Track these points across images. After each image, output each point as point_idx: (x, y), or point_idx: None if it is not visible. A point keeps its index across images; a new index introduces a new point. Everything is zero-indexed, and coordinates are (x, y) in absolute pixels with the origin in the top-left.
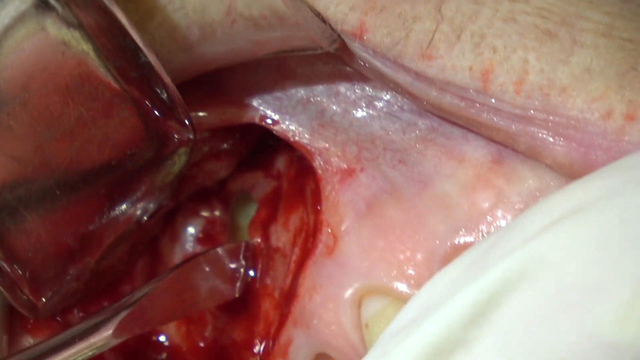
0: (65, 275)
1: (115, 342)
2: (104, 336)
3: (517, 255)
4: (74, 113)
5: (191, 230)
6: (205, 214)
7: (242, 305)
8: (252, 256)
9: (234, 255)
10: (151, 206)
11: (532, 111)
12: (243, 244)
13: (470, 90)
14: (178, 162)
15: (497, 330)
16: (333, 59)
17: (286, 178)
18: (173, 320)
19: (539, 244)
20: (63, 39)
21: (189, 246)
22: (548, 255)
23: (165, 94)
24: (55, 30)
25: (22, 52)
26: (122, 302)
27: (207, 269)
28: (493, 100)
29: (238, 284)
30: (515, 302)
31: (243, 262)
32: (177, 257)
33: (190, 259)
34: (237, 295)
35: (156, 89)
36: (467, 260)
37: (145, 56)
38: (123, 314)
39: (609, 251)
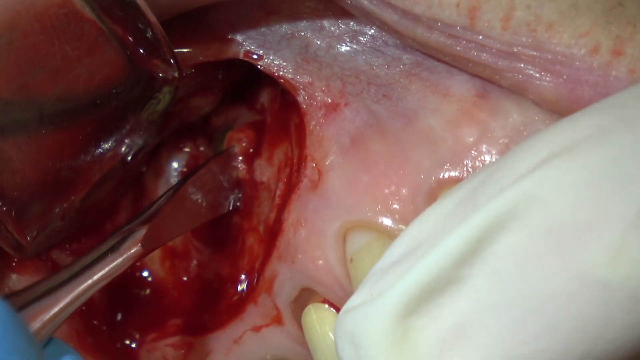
0: (51, 213)
1: (144, 255)
2: (134, 250)
3: (508, 194)
4: (59, 52)
5: (175, 165)
6: (188, 149)
7: (226, 240)
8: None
9: (225, 164)
10: (136, 143)
11: (519, 47)
12: (231, 150)
13: (457, 28)
14: (163, 100)
15: (488, 269)
16: None
17: (270, 112)
18: (186, 231)
19: (529, 183)
20: None
21: (174, 181)
22: (538, 194)
23: (150, 33)
24: None
25: None
26: (142, 217)
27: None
28: (480, 37)
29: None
30: (506, 241)
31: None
32: (161, 193)
33: (192, 173)
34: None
35: (141, 27)
36: (456, 198)
37: None
38: (144, 227)
39: (599, 190)
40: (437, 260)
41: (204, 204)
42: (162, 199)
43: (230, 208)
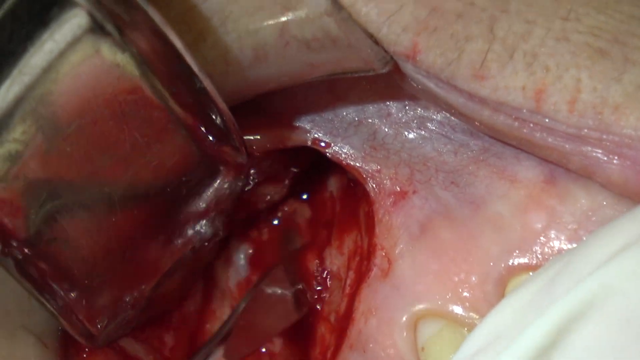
0: (122, 302)
1: None
2: None
3: (585, 285)
4: (129, 138)
5: (243, 255)
6: (257, 238)
7: (298, 330)
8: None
9: (279, 280)
10: (206, 232)
11: (585, 130)
12: (278, 268)
13: (524, 110)
14: (233, 187)
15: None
16: (384, 80)
17: (339, 200)
18: (273, 335)
19: (605, 273)
20: (118, 63)
21: (243, 272)
22: (615, 283)
23: (220, 120)
24: (110, 54)
25: (77, 77)
26: (222, 329)
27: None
28: (546, 120)
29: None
30: (585, 332)
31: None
32: (232, 283)
33: (262, 279)
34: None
35: (211, 114)
36: (532, 288)
37: (200, 82)
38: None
39: None
40: (518, 354)
41: (285, 306)
42: (235, 313)
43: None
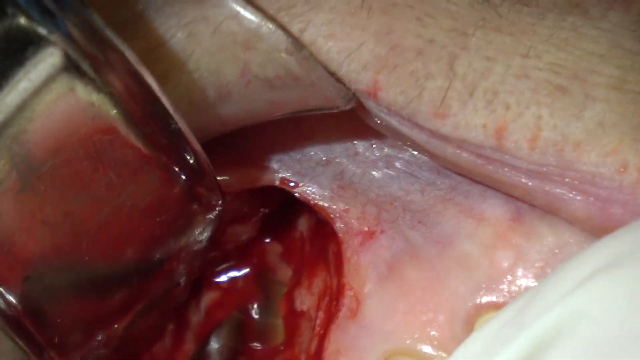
0: (93, 341)
1: None
2: None
3: (553, 312)
4: (104, 178)
5: (215, 295)
6: (226, 278)
7: None
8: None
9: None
10: (180, 273)
11: (547, 167)
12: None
13: (486, 148)
14: (207, 228)
15: None
16: (351, 118)
17: (308, 241)
18: None
19: (573, 300)
20: (93, 103)
21: (214, 311)
22: (584, 309)
23: (194, 160)
24: (85, 94)
25: (52, 115)
26: None
27: None
28: (508, 157)
29: None
30: (555, 359)
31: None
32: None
33: None
34: None
35: (185, 155)
36: (501, 320)
37: (175, 122)
38: None
39: None
40: None
41: None
42: None
43: None
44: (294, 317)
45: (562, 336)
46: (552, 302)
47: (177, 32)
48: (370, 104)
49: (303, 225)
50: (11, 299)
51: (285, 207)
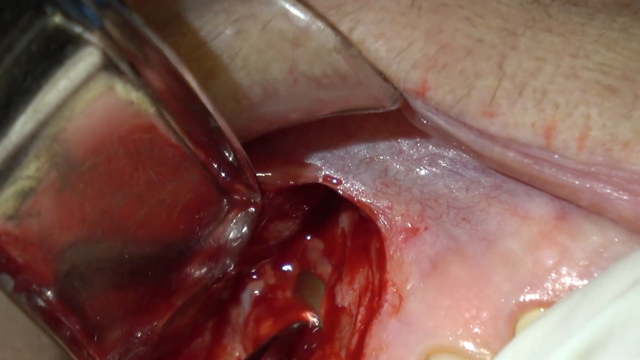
0: (133, 338)
1: None
2: None
3: (603, 314)
4: (143, 177)
5: (255, 293)
6: (268, 276)
7: None
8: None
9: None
10: (219, 270)
11: (595, 166)
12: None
13: (533, 147)
14: (246, 225)
15: None
16: (396, 117)
17: (350, 237)
18: None
19: (625, 302)
20: (132, 101)
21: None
22: (635, 312)
23: (234, 158)
24: (124, 92)
25: (92, 114)
26: None
27: None
28: (556, 157)
29: None
30: None
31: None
32: (243, 319)
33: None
34: None
35: (225, 152)
36: (550, 321)
37: (214, 120)
38: None
39: None
40: None
41: None
42: None
43: None
44: (334, 313)
45: (613, 338)
46: (603, 304)
47: (225, 29)
48: (417, 104)
49: (345, 221)
50: (50, 295)
51: (327, 203)
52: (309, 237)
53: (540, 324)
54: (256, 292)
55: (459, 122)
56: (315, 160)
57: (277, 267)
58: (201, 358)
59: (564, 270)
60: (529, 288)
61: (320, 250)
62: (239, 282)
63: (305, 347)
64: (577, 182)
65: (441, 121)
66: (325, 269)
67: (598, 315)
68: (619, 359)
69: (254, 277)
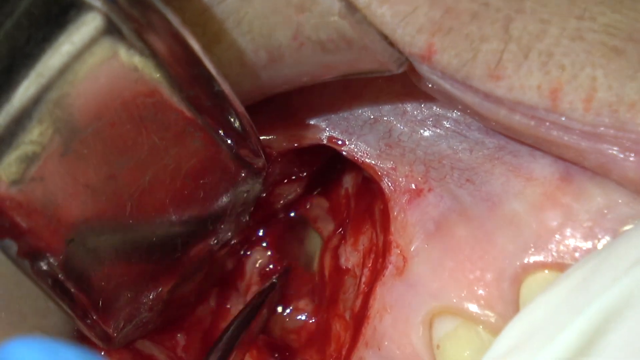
0: (139, 304)
1: None
2: None
3: (621, 282)
4: (147, 142)
5: (258, 260)
6: (273, 238)
7: (313, 327)
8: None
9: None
10: (224, 235)
11: (601, 128)
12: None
13: (540, 109)
14: (251, 190)
15: (606, 357)
16: (400, 79)
17: (354, 198)
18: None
19: None
20: (136, 66)
21: (258, 274)
22: None
23: (238, 123)
24: (127, 57)
25: (95, 79)
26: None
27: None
28: (563, 119)
29: None
30: (623, 330)
31: None
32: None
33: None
34: None
35: (229, 117)
36: (565, 287)
37: (218, 85)
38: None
39: None
40: (556, 354)
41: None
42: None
43: None
44: (338, 274)
45: (630, 307)
46: (619, 272)
47: None
48: (423, 68)
49: (349, 182)
50: (54, 261)
51: (330, 165)
52: (313, 194)
53: (555, 291)
54: (260, 259)
55: (465, 86)
56: (319, 121)
57: (280, 229)
58: (207, 322)
59: (568, 232)
60: (533, 249)
61: (324, 208)
62: (246, 245)
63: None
64: (583, 144)
65: (447, 85)
66: (327, 226)
67: (615, 283)
68: (636, 327)
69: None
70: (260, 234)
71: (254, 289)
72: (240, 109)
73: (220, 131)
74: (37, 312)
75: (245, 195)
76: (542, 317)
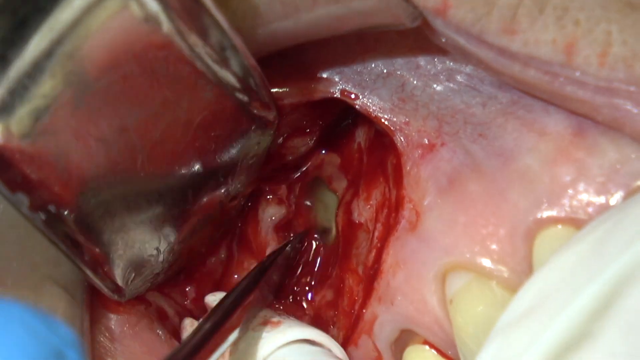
0: (149, 256)
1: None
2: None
3: (636, 246)
4: (158, 95)
5: (269, 212)
6: (285, 190)
7: (326, 282)
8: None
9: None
10: (235, 187)
11: (616, 83)
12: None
13: (554, 64)
14: (262, 142)
15: (622, 322)
16: (413, 33)
17: (366, 152)
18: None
19: None
20: (147, 19)
21: (271, 227)
22: None
23: (249, 76)
24: (139, 10)
25: (106, 32)
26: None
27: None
28: (577, 74)
29: None
30: (637, 292)
31: None
32: (259, 236)
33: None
34: None
35: (240, 70)
36: (581, 249)
37: (229, 38)
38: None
39: None
40: (572, 317)
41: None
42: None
43: None
44: (351, 229)
45: None
46: (635, 235)
47: None
48: (437, 22)
49: (361, 137)
50: (66, 214)
51: (342, 119)
52: (325, 152)
53: (570, 253)
54: (272, 211)
55: (480, 41)
56: (332, 75)
57: (292, 182)
58: (218, 274)
59: (581, 187)
60: (546, 204)
61: (336, 164)
62: (257, 198)
63: (314, 260)
64: (597, 99)
65: (461, 39)
66: (341, 184)
67: (630, 247)
68: None
69: (270, 196)
70: (273, 189)
71: (271, 246)
72: (252, 61)
73: (231, 84)
74: (49, 262)
75: (255, 147)
76: (557, 279)
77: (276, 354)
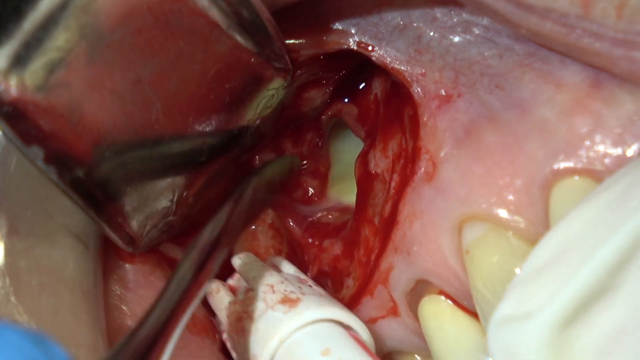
0: (164, 208)
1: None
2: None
3: None
4: (173, 47)
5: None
6: (300, 146)
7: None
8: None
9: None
10: (250, 140)
11: (633, 35)
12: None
13: (571, 16)
14: (276, 94)
15: None
16: None
17: (383, 103)
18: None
19: None
20: None
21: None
22: None
23: (263, 28)
24: None
25: None
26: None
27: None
28: (594, 26)
29: None
30: None
31: None
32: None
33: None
34: None
35: (254, 22)
36: (602, 201)
37: None
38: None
39: None
40: (593, 270)
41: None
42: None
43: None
44: (368, 179)
45: None
46: None
47: None
48: None
49: (377, 88)
50: (81, 168)
51: (359, 71)
52: (343, 101)
53: (591, 205)
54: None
55: None
56: (349, 26)
57: (309, 134)
58: None
59: (597, 138)
60: (563, 156)
61: (354, 115)
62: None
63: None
64: (614, 51)
65: None
66: (358, 134)
67: None
68: None
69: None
70: (289, 140)
71: None
72: (266, 14)
73: (245, 36)
74: (63, 211)
75: (270, 99)
76: (578, 232)
77: (292, 339)
